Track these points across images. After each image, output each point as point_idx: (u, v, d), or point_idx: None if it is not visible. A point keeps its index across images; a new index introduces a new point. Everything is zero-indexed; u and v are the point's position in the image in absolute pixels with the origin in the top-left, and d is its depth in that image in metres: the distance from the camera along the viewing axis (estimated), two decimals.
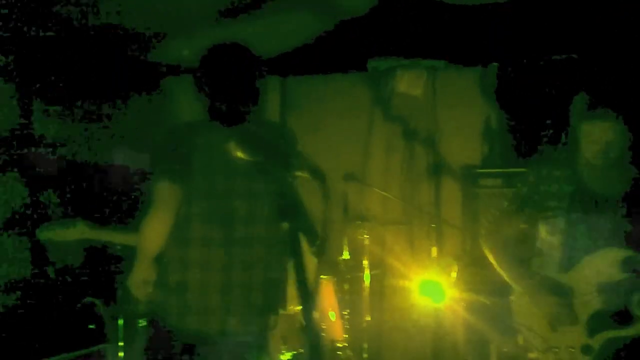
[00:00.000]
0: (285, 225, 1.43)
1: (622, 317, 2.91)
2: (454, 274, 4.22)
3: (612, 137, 2.91)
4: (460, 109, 5.02)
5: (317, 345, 1.46)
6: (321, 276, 4.06)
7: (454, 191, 4.74)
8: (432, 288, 4.12)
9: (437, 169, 4.54)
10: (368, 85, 5.23)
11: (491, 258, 3.22)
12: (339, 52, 5.05)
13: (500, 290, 3.30)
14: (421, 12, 4.52)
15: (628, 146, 2.93)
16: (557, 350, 3.01)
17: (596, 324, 2.96)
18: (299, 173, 1.45)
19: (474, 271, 4.16)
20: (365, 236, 4.20)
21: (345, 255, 4.33)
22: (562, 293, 3.03)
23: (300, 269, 1.39)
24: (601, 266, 2.96)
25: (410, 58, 5.06)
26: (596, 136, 2.93)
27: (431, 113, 5.03)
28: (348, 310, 4.28)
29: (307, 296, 1.41)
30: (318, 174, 1.43)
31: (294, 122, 5.29)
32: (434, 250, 4.30)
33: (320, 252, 1.49)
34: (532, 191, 3.12)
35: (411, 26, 4.69)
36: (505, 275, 3.18)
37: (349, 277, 4.31)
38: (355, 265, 4.30)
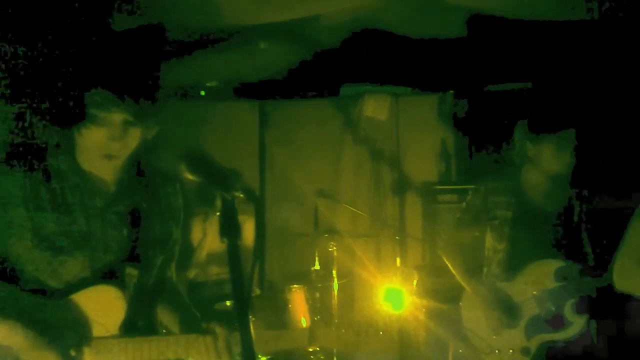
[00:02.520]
0: (224, 242, 1.50)
1: (556, 322, 3.12)
2: (415, 282, 4.50)
3: (554, 157, 3.13)
4: (420, 131, 5.33)
5: None
6: (293, 285, 4.32)
7: (416, 206, 5.05)
8: (396, 295, 4.36)
9: (401, 186, 4.81)
10: (339, 109, 5.53)
11: (449, 265, 3.41)
12: (314, 79, 5.36)
13: (457, 297, 3.45)
14: (387, 44, 4.83)
15: (569, 165, 3.14)
16: (498, 352, 3.20)
17: (533, 328, 3.14)
18: (236, 193, 1.50)
19: (433, 279, 4.44)
20: (334, 248, 4.45)
21: (317, 265, 4.60)
22: (505, 299, 3.21)
23: (238, 287, 1.40)
24: (539, 275, 3.15)
25: (377, 84, 5.40)
26: (544, 157, 3.15)
27: (395, 135, 5.35)
28: (318, 317, 4.48)
29: (245, 315, 1.38)
30: (252, 195, 1.49)
31: (272, 144, 5.59)
32: (398, 261, 4.56)
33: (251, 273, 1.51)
34: (483, 201, 3.31)
35: (378, 56, 5.00)
36: (461, 281, 3.38)
37: (319, 285, 4.54)
38: (325, 275, 4.57)
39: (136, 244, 1.99)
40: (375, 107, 5.21)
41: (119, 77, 1.81)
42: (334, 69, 5.15)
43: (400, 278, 4.44)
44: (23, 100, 3.64)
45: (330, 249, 4.44)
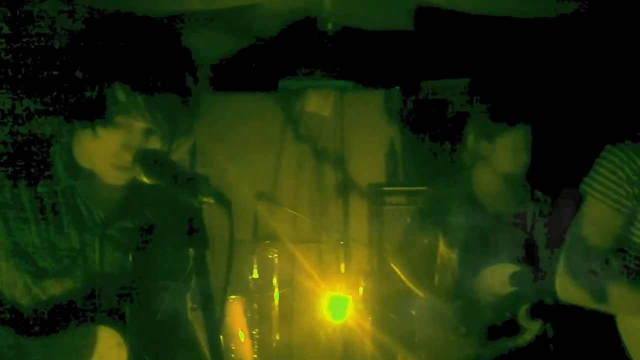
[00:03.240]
0: (191, 251, 1.38)
1: (510, 328, 3.06)
2: (361, 290, 4.31)
3: (510, 156, 3.05)
4: (366, 129, 5.12)
5: None
6: (230, 296, 4.08)
7: (361, 209, 4.82)
8: (340, 304, 4.19)
9: (345, 188, 4.61)
10: (279, 104, 5.26)
11: (400, 272, 3.32)
12: (251, 72, 5.08)
13: (406, 304, 3.41)
14: (330, 35, 4.63)
15: (525, 165, 3.08)
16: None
17: (487, 334, 3.10)
18: (205, 199, 1.38)
19: (381, 286, 4.25)
20: (275, 255, 4.23)
21: (255, 274, 4.33)
22: (459, 305, 3.13)
23: (206, 297, 1.33)
24: (493, 280, 3.09)
25: (319, 79, 5.17)
26: (495, 155, 3.07)
27: (339, 133, 5.12)
28: (257, 330, 4.27)
29: (214, 324, 1.34)
30: (224, 200, 1.38)
31: (205, 140, 5.26)
32: (342, 267, 4.37)
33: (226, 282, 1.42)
34: (434, 205, 3.26)
35: (321, 48, 4.79)
36: (414, 288, 3.28)
37: (258, 296, 4.31)
38: (264, 284, 4.31)
39: (142, 272, 1.64)
40: (318, 102, 4.99)
41: (147, 72, 1.48)
42: (273, 60, 4.90)
43: (345, 285, 4.24)
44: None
45: (270, 256, 4.20)
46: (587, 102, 4.18)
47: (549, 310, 3.05)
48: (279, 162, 5.19)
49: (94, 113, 1.48)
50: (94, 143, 1.53)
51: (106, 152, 1.53)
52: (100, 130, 1.50)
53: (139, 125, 1.49)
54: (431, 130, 5.03)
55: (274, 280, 4.23)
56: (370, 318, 4.19)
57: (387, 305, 4.12)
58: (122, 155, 1.51)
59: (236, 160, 4.99)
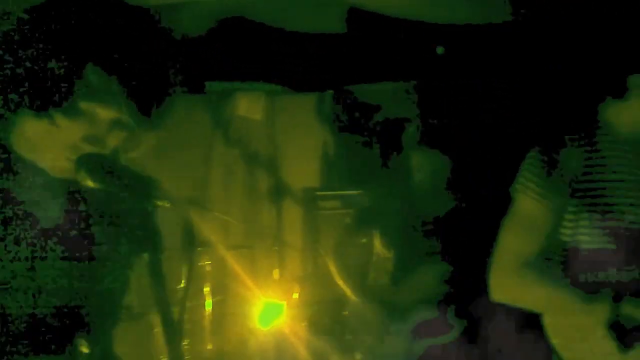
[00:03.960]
0: (145, 256, 1.33)
1: (440, 326, 3.12)
2: (295, 295, 4.25)
3: (437, 166, 3.15)
4: (299, 133, 5.05)
5: None
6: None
7: (295, 213, 4.76)
8: (274, 310, 4.12)
9: (278, 192, 4.54)
10: (207, 107, 5.10)
11: (336, 275, 3.33)
12: (177, 72, 4.92)
13: (341, 308, 3.39)
14: (259, 36, 4.55)
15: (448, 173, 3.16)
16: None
17: (419, 332, 3.14)
18: (159, 203, 1.32)
19: (316, 291, 4.20)
20: (207, 262, 4.10)
21: (182, 283, 4.18)
22: (392, 306, 3.19)
23: (163, 303, 1.32)
24: (422, 281, 3.17)
25: (247, 81, 5.06)
26: (423, 165, 3.15)
27: (271, 137, 5.04)
28: (188, 340, 4.15)
29: (173, 331, 1.34)
30: (180, 203, 1.33)
31: None
32: (276, 273, 4.30)
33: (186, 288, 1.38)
34: (371, 207, 3.28)
35: (249, 50, 4.70)
36: (346, 290, 3.30)
37: (188, 304, 4.17)
38: (195, 293, 4.18)
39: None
40: (249, 105, 4.89)
41: (125, 54, 1.32)
42: (199, 61, 4.77)
43: (279, 291, 4.17)
44: None
45: (202, 264, 4.07)
46: (515, 106, 4.25)
47: (476, 308, 3.03)
48: (209, 167, 5.06)
49: (55, 98, 1.29)
50: (50, 132, 1.35)
51: (63, 144, 1.36)
52: (61, 119, 1.32)
53: (108, 115, 1.34)
54: (363, 134, 5.03)
55: (206, 289, 4.10)
56: (304, 323, 4.12)
57: (322, 310, 4.06)
58: (80, 148, 1.36)
59: (164, 164, 4.82)
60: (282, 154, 4.99)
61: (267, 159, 4.89)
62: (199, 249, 4.17)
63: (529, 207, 2.04)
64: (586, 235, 2.02)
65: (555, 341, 2.02)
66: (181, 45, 1.54)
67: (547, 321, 2.04)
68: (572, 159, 2.01)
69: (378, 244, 3.30)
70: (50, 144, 1.37)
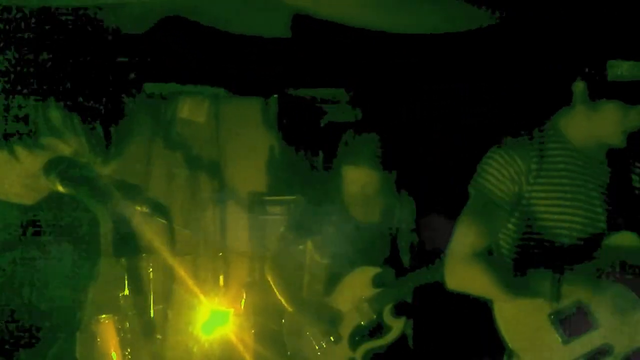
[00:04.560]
0: (122, 261, 1.32)
1: (378, 328, 3.17)
2: (242, 302, 4.18)
3: (368, 180, 3.13)
4: (244, 137, 5.01)
5: None
6: (101, 316, 3.85)
7: (241, 219, 4.70)
8: (221, 318, 4.04)
9: (223, 197, 4.46)
10: (145, 110, 5.00)
11: (272, 283, 3.32)
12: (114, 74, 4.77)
13: (285, 315, 3.35)
14: (202, 39, 4.47)
15: (385, 181, 3.17)
16: None
17: (357, 338, 3.18)
18: (137, 207, 1.28)
19: (263, 298, 4.14)
20: (150, 269, 3.99)
21: (126, 291, 4.06)
22: (329, 314, 3.20)
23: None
24: (356, 285, 3.19)
25: (189, 84, 4.97)
26: (354, 178, 3.14)
27: (215, 140, 4.98)
28: (130, 349, 4.01)
29: (152, 333, 1.33)
30: (162, 209, 1.28)
31: None
32: (221, 280, 4.22)
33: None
34: (305, 214, 3.25)
35: (191, 53, 4.61)
36: (282, 299, 3.28)
37: (130, 314, 4.05)
38: (137, 301, 4.04)
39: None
40: (192, 108, 4.79)
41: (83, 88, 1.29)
42: (138, 62, 4.63)
43: (225, 299, 4.09)
44: None
45: (145, 271, 3.95)
46: (469, 107, 4.31)
47: (411, 307, 3.23)
48: (149, 170, 4.93)
49: (16, 131, 1.29)
50: (9, 162, 1.34)
51: (22, 174, 1.36)
52: (21, 152, 1.31)
53: (68, 149, 1.32)
54: (307, 139, 5.02)
55: (150, 297, 3.97)
56: (252, 331, 4.05)
57: (269, 318, 4.01)
58: (40, 177, 1.33)
59: None
60: (226, 157, 4.92)
61: (210, 162, 4.80)
62: (142, 255, 4.09)
63: (478, 204, 2.15)
64: (537, 234, 2.13)
65: (502, 326, 2.12)
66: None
67: (496, 308, 2.14)
68: (524, 160, 2.10)
69: (312, 252, 3.30)
70: (8, 173, 1.38)
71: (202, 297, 4.10)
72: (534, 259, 2.12)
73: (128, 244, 1.32)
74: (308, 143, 5.01)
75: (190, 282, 4.22)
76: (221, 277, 4.19)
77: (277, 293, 3.30)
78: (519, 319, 2.09)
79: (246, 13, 4.27)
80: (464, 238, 2.16)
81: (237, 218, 4.62)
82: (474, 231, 2.15)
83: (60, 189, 1.30)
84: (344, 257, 3.21)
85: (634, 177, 2.20)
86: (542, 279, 2.04)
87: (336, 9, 3.85)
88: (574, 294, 2.02)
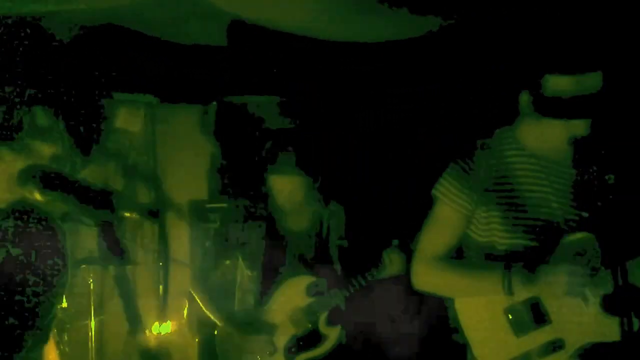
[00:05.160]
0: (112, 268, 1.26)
1: (313, 338, 3.20)
2: (185, 312, 4.14)
3: (292, 187, 3.18)
4: (183, 145, 4.99)
5: None
6: None
7: (181, 227, 4.67)
8: (162, 328, 3.98)
9: (161, 205, 4.39)
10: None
11: (197, 297, 3.28)
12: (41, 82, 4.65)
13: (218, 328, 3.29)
14: (139, 47, 4.41)
15: (310, 188, 3.22)
16: None
17: (292, 349, 3.18)
18: (127, 214, 1.28)
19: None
20: (90, 280, 3.90)
21: (64, 302, 3.95)
22: (263, 326, 3.18)
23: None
24: (290, 295, 3.20)
25: (125, 93, 4.89)
26: (280, 187, 3.19)
27: (151, 149, 4.92)
28: None
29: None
30: (152, 214, 1.29)
31: None
32: (161, 289, 4.15)
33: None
34: (231, 226, 3.26)
35: (128, 60, 4.55)
36: (209, 313, 3.25)
37: (69, 326, 3.96)
38: (76, 313, 3.96)
39: None
40: (127, 117, 4.72)
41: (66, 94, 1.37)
42: (73, 70, 4.54)
43: (166, 308, 4.03)
44: None
45: (83, 281, 3.87)
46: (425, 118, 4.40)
47: (346, 314, 3.24)
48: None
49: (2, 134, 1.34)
50: None
51: (4, 175, 1.40)
52: (5, 153, 1.36)
53: (49, 150, 1.31)
54: (245, 146, 5.01)
55: (91, 307, 3.90)
56: (195, 340, 4.03)
57: (212, 327, 3.99)
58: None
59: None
60: (164, 166, 4.87)
61: (147, 171, 4.75)
62: (83, 266, 4.01)
63: (442, 209, 2.28)
64: (497, 237, 2.23)
65: (461, 321, 2.23)
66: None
67: (457, 304, 2.25)
68: (482, 168, 2.23)
69: (242, 264, 3.27)
70: None
71: (142, 307, 4.04)
72: (497, 259, 2.23)
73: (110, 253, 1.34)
74: (245, 150, 5.01)
75: (131, 292, 4.17)
76: (161, 287, 4.12)
77: (203, 307, 3.26)
78: (477, 313, 2.21)
79: (183, 21, 4.26)
80: (427, 242, 2.31)
81: (177, 226, 4.57)
82: (435, 235, 2.30)
83: (38, 197, 1.30)
84: (274, 267, 3.21)
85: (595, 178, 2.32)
86: (495, 276, 2.16)
87: (282, 19, 3.90)
88: (526, 290, 2.13)
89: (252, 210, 3.26)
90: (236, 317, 3.23)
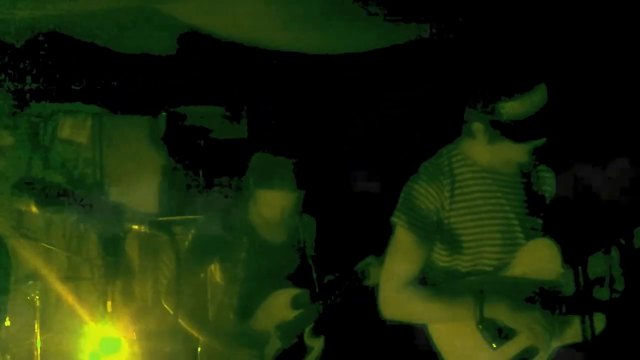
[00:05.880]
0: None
1: (299, 350, 3.14)
2: (134, 328, 4.03)
3: (285, 202, 3.12)
4: (131, 157, 4.87)
5: None
6: None
7: (131, 240, 4.53)
8: (112, 345, 3.86)
9: (105, 218, 4.27)
10: (23, 129, 4.71)
11: (173, 309, 3.14)
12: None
13: (186, 338, 3.25)
14: (84, 57, 4.32)
15: (299, 202, 3.18)
16: None
17: None
18: (134, 227, 1.25)
19: (156, 322, 4.02)
20: (36, 297, 3.76)
21: (7, 321, 3.79)
22: (248, 341, 3.10)
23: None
24: (274, 308, 3.14)
25: (70, 102, 4.77)
26: (272, 201, 3.12)
27: (98, 161, 4.81)
28: None
29: None
30: (165, 227, 1.26)
31: None
32: (109, 306, 4.03)
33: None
34: (207, 239, 3.14)
35: (74, 69, 4.45)
36: (188, 326, 3.13)
37: (11, 346, 3.79)
38: (20, 332, 3.81)
39: None
40: (73, 128, 4.59)
41: None
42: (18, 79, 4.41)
43: (115, 325, 3.90)
44: None
45: (30, 298, 3.72)
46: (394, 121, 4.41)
47: (330, 325, 3.22)
48: None
49: None
50: None
51: None
52: None
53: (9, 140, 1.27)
54: (191, 157, 4.96)
55: (37, 326, 3.74)
56: (145, 358, 3.92)
57: (164, 343, 3.90)
58: None
59: None
60: (111, 178, 4.75)
61: (93, 184, 4.62)
62: (30, 282, 3.86)
63: (403, 237, 2.24)
64: (462, 260, 2.23)
65: (434, 337, 2.22)
66: None
67: (430, 329, 2.24)
68: (439, 189, 2.20)
69: (219, 277, 3.19)
70: None
71: (90, 323, 3.92)
72: (463, 279, 2.23)
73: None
74: (193, 161, 4.96)
75: (77, 309, 4.04)
76: (109, 303, 3.99)
77: (181, 320, 3.10)
78: (451, 332, 2.20)
79: (135, 31, 4.19)
80: (393, 270, 2.25)
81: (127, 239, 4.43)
82: (400, 262, 2.25)
83: (34, 209, 1.25)
84: (255, 280, 3.14)
85: (543, 185, 2.35)
86: (466, 304, 2.17)
87: (257, 34, 3.87)
88: (494, 313, 2.15)
89: (229, 221, 3.16)
90: (219, 331, 3.15)
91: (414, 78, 4.14)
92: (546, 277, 2.20)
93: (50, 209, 1.27)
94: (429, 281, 2.31)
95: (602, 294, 2.21)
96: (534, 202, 2.30)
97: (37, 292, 3.78)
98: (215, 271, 3.21)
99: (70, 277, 4.41)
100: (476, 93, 2.16)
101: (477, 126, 2.18)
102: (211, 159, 4.91)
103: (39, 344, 3.76)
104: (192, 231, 3.18)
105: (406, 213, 2.22)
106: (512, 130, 2.12)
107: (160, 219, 4.51)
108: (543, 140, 2.16)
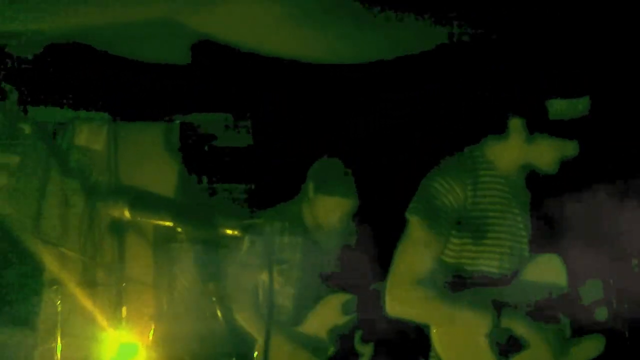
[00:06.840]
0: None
1: (349, 356, 3.18)
2: (150, 334, 4.08)
3: (344, 209, 3.19)
4: (145, 163, 4.88)
5: None
6: None
7: (144, 247, 4.60)
8: (129, 351, 3.92)
9: (122, 225, 4.34)
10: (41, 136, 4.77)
11: (235, 310, 3.13)
12: None
13: (203, 344, 3.28)
14: (95, 64, 4.36)
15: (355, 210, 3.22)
16: None
17: None
18: (228, 231, 1.27)
19: (174, 328, 4.07)
20: (58, 302, 3.81)
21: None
22: (303, 342, 3.14)
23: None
24: (327, 312, 3.18)
25: (86, 110, 4.82)
26: (331, 207, 3.18)
27: (114, 168, 4.85)
28: None
29: None
30: (250, 229, 1.30)
31: None
32: (124, 311, 4.08)
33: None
34: (267, 242, 3.19)
35: (89, 78, 4.49)
36: (248, 328, 3.13)
37: (35, 351, 3.86)
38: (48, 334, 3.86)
39: None
40: (89, 135, 4.64)
41: None
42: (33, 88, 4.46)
43: (130, 330, 3.97)
44: None
45: (53, 302, 3.78)
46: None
47: (379, 332, 3.14)
48: (44, 200, 4.71)
49: None
50: None
51: None
52: None
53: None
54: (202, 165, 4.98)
55: (58, 330, 3.79)
56: None
57: (179, 348, 3.95)
58: None
59: None
60: (127, 185, 4.76)
61: (108, 190, 4.65)
62: (55, 287, 3.90)
63: (419, 231, 2.19)
64: (468, 259, 2.23)
65: (439, 349, 2.19)
66: None
67: (433, 332, 2.21)
68: (461, 188, 2.18)
69: (277, 283, 3.18)
70: None
71: (107, 329, 3.98)
72: (471, 284, 2.22)
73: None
74: (203, 168, 4.99)
75: (95, 314, 4.10)
76: (124, 309, 4.04)
77: (240, 321, 3.13)
78: (457, 341, 2.16)
79: (148, 40, 4.24)
80: (403, 266, 2.18)
81: (139, 246, 4.50)
82: (411, 259, 2.18)
83: (127, 215, 1.31)
84: (311, 284, 3.19)
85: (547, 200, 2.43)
86: (484, 315, 2.13)
87: (273, 44, 3.90)
88: (511, 326, 2.12)
89: (287, 226, 3.18)
90: (280, 333, 3.13)
91: (414, 78, 4.16)
92: (551, 292, 2.20)
93: (143, 214, 1.33)
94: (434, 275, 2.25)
95: (601, 314, 2.20)
96: (539, 214, 2.34)
97: (60, 296, 3.83)
98: (274, 270, 3.12)
99: (87, 282, 4.45)
100: (524, 89, 2.17)
101: (516, 122, 2.19)
102: (220, 164, 4.94)
103: (59, 349, 3.82)
104: (248, 234, 3.21)
105: (425, 208, 2.18)
106: (555, 128, 2.14)
107: (246, 222, 4.57)
108: (577, 151, 2.19)
